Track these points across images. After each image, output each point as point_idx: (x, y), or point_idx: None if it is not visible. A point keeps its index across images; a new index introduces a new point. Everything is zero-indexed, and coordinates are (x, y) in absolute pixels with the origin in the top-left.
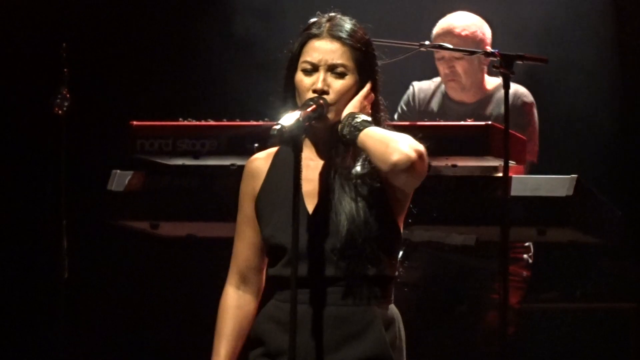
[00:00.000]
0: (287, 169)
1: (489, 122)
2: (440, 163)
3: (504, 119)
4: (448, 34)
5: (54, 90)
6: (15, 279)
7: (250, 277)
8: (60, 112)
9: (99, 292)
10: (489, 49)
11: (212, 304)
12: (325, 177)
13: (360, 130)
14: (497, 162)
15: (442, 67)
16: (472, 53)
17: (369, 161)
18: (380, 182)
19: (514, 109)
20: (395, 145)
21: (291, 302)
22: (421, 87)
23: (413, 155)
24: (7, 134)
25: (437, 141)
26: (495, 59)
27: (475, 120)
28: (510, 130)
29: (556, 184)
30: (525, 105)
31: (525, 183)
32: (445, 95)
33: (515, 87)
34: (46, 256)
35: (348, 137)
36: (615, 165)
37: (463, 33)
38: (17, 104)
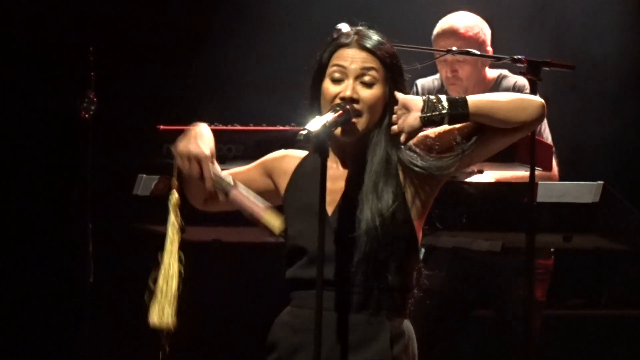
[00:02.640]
0: (312, 176)
1: None
2: (466, 169)
3: None
4: (450, 35)
5: (80, 94)
6: (42, 282)
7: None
8: (87, 115)
9: (124, 296)
10: (489, 50)
11: (237, 307)
12: (346, 187)
13: (464, 102)
14: (523, 169)
15: (444, 70)
16: (498, 59)
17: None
18: (404, 188)
19: None
20: (528, 97)
21: (316, 306)
22: (424, 84)
23: (543, 101)
24: (34, 138)
25: None
26: (522, 65)
27: None
28: (536, 137)
29: (582, 191)
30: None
31: (551, 189)
32: (447, 94)
33: (515, 79)
34: (72, 260)
35: (452, 112)
36: None
37: (467, 34)
38: (44, 108)
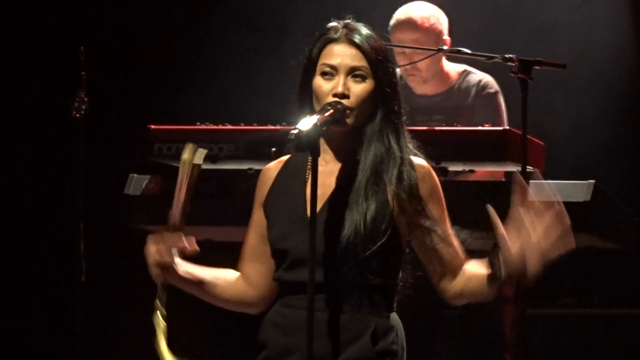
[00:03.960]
0: (294, 175)
1: (507, 127)
2: (457, 168)
3: (469, 109)
4: (408, 26)
5: (72, 94)
6: (33, 282)
7: (246, 273)
8: (78, 115)
9: (116, 296)
10: (447, 39)
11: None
12: (334, 184)
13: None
14: (515, 167)
15: (402, 62)
16: (490, 58)
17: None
18: (388, 195)
19: (481, 100)
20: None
21: (308, 307)
22: None
23: None
24: (26, 137)
25: (455, 146)
26: (513, 64)
27: (443, 114)
28: (528, 136)
29: (574, 190)
30: (490, 96)
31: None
32: (408, 89)
33: (480, 77)
34: (64, 259)
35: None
36: (633, 171)
37: (424, 25)
38: (36, 107)
